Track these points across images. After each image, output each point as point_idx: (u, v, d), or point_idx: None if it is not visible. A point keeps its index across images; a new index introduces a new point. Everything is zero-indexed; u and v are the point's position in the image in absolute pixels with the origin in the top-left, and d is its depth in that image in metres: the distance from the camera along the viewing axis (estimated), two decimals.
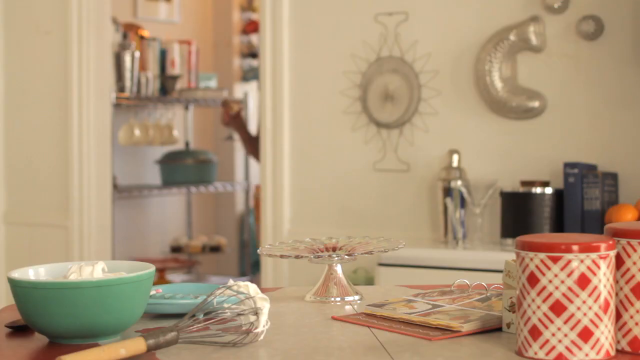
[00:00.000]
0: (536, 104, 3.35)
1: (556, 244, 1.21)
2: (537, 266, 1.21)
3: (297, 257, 1.70)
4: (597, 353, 1.20)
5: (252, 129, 6.08)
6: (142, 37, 5.17)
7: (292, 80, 3.86)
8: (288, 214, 3.88)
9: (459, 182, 3.37)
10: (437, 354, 1.27)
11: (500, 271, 2.53)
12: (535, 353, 1.22)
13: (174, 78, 5.23)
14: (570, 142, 3.34)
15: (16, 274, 1.39)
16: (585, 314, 1.20)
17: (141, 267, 1.44)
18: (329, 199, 3.79)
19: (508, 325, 1.39)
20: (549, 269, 1.21)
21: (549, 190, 3.19)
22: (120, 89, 4.81)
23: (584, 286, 1.20)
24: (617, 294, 1.27)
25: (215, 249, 5.65)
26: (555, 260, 1.20)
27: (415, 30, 3.60)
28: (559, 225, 3.19)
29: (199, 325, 1.31)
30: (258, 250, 1.80)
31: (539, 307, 1.21)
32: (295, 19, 3.85)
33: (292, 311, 1.59)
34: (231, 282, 1.38)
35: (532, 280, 1.22)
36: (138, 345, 1.24)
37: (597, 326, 1.20)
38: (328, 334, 1.41)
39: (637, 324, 1.26)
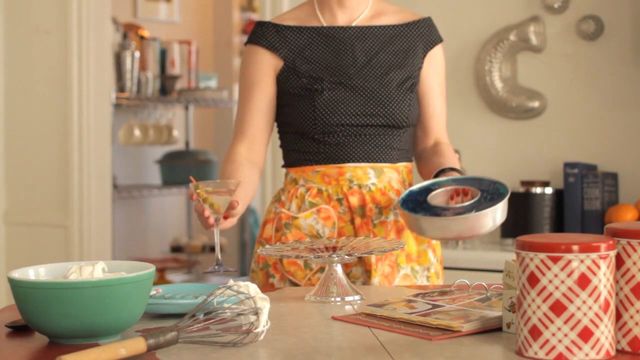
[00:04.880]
0: (536, 104, 3.35)
1: (556, 244, 1.21)
2: (537, 266, 1.21)
3: (297, 257, 1.70)
4: (597, 353, 1.20)
5: None
6: (142, 37, 5.17)
7: None
8: None
9: None
10: (437, 354, 1.27)
11: (500, 271, 2.53)
12: (535, 353, 1.22)
13: (174, 78, 5.22)
14: (570, 142, 3.33)
15: (16, 274, 1.39)
16: (585, 314, 1.20)
17: (141, 267, 1.44)
18: None
19: (508, 325, 1.39)
20: (549, 269, 1.21)
21: (549, 190, 3.19)
22: (120, 89, 4.81)
23: (584, 286, 1.20)
24: (617, 294, 1.27)
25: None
26: (555, 260, 1.20)
27: None
28: (559, 225, 3.19)
29: (199, 325, 1.31)
30: (258, 250, 1.80)
31: (539, 307, 1.21)
32: None
33: (292, 311, 1.59)
34: (231, 282, 1.38)
35: (532, 280, 1.22)
36: (138, 345, 1.24)
37: (597, 326, 1.20)
38: (328, 334, 1.41)
39: (637, 324, 1.26)
